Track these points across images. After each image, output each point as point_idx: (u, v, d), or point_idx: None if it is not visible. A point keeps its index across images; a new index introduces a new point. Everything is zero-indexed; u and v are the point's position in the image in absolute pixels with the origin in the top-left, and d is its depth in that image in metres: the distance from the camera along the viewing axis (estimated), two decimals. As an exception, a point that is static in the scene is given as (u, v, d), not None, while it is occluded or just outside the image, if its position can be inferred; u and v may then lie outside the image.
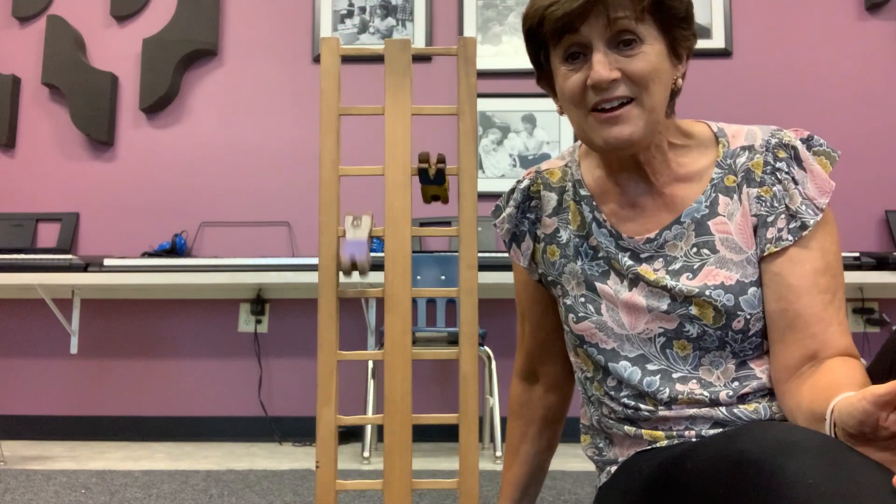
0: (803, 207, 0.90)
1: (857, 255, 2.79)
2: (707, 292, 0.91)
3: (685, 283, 0.92)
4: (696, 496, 0.73)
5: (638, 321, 0.95)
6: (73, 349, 3.14)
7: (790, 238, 0.90)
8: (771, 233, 0.91)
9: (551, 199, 1.04)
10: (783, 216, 0.91)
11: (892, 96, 3.36)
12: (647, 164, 0.95)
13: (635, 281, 0.95)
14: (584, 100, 0.89)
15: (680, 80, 0.92)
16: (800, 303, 0.88)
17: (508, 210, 1.06)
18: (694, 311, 0.91)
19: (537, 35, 0.92)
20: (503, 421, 2.84)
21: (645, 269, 0.95)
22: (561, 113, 0.97)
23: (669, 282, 0.92)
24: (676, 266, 0.94)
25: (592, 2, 0.84)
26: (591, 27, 0.86)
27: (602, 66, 0.86)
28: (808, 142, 0.93)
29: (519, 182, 1.07)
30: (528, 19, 0.91)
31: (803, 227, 0.89)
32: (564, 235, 1.02)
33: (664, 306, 0.93)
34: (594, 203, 1.00)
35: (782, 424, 0.68)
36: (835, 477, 0.60)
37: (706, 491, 0.71)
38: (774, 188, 0.92)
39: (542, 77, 0.98)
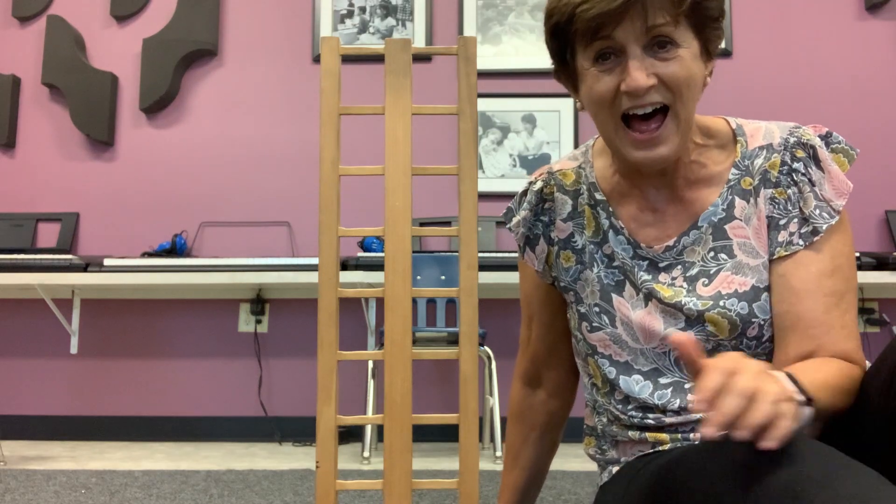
0: (817, 211, 0.88)
1: (857, 255, 2.79)
2: (721, 303, 0.89)
3: (699, 295, 0.91)
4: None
5: (653, 337, 0.93)
6: (73, 349, 3.14)
7: (801, 243, 0.88)
8: (782, 236, 0.89)
9: (566, 202, 1.01)
10: (796, 220, 0.89)
11: (892, 96, 3.36)
12: (671, 170, 0.93)
13: (649, 296, 0.94)
14: (614, 104, 0.85)
15: (708, 79, 0.90)
16: (801, 305, 0.87)
17: (523, 213, 1.03)
18: (710, 328, 0.90)
19: (565, 32, 0.87)
20: (503, 421, 2.84)
21: (660, 285, 0.93)
22: (581, 109, 0.93)
23: (684, 297, 0.91)
24: (693, 272, 0.92)
25: (631, 3, 0.80)
26: (627, 31, 0.81)
27: (639, 72, 0.82)
28: (826, 138, 0.91)
29: (531, 184, 1.03)
30: (556, 14, 0.86)
31: (815, 231, 0.88)
32: (580, 241, 1.00)
33: (680, 325, 0.91)
34: (610, 209, 0.98)
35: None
36: (828, 484, 0.59)
37: (700, 500, 0.70)
38: (789, 190, 0.90)
39: (563, 73, 0.94)
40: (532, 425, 1.11)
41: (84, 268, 2.92)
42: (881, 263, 2.78)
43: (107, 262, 2.92)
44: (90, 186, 3.44)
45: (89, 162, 3.46)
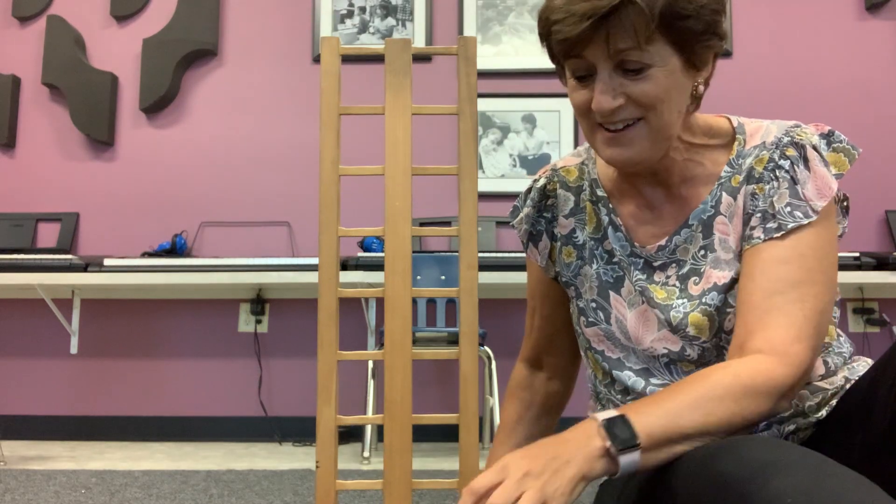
0: (787, 209, 0.86)
1: (857, 255, 2.79)
2: (703, 299, 0.89)
3: (689, 295, 0.91)
4: None
5: (644, 338, 0.94)
6: (73, 349, 3.14)
7: (761, 237, 0.87)
8: (747, 231, 0.89)
9: (568, 198, 1.02)
10: (760, 214, 0.88)
11: (892, 96, 3.36)
12: (662, 171, 0.93)
13: (643, 296, 0.94)
14: (590, 114, 0.87)
15: (702, 88, 0.88)
16: (744, 290, 0.85)
17: (526, 210, 1.04)
18: (691, 332, 0.90)
19: (548, 43, 0.88)
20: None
21: (654, 286, 0.94)
22: None
23: (676, 299, 0.91)
24: (685, 270, 0.93)
25: (593, 29, 0.80)
26: (596, 52, 0.82)
27: (604, 94, 0.83)
28: (828, 137, 0.89)
29: (535, 181, 1.05)
30: (540, 26, 0.88)
31: (779, 228, 0.86)
32: (581, 237, 1.01)
33: (667, 328, 0.92)
34: (610, 205, 0.98)
35: (763, 441, 0.67)
36: (815, 494, 0.58)
37: None
38: (767, 186, 0.89)
39: (562, 74, 0.95)
40: (529, 404, 1.10)
41: (84, 268, 2.92)
42: (881, 263, 2.78)
43: (107, 262, 2.91)
44: (90, 186, 3.44)
45: (89, 162, 3.46)
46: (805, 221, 0.85)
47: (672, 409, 0.73)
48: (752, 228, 0.88)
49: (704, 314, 0.89)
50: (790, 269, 0.84)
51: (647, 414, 0.73)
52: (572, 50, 0.83)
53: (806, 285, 0.83)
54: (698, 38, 0.83)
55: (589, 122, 0.88)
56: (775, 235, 0.86)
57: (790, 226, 0.85)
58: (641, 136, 0.86)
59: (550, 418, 1.11)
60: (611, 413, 0.72)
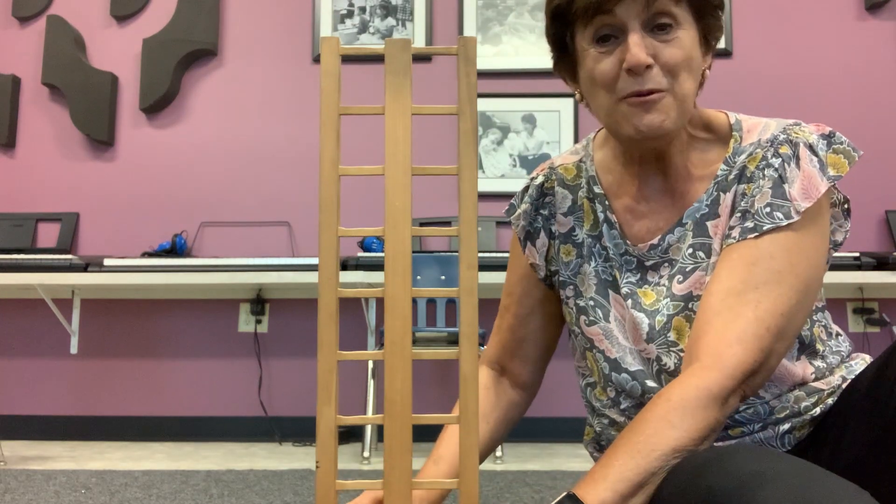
0: (768, 209, 0.84)
1: (857, 255, 2.79)
2: (690, 304, 0.88)
3: (673, 294, 0.89)
4: None
5: (638, 340, 0.92)
6: (73, 349, 3.14)
7: (736, 236, 0.85)
8: (727, 230, 0.87)
9: (566, 196, 1.01)
10: (744, 214, 0.86)
11: (892, 96, 3.36)
12: (668, 158, 0.91)
13: (631, 299, 0.93)
14: (615, 85, 0.85)
15: (707, 72, 0.89)
16: (707, 291, 0.83)
17: (524, 206, 1.03)
18: (672, 336, 0.88)
19: (565, 13, 0.87)
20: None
21: (645, 288, 0.93)
22: (580, 100, 0.92)
23: (661, 300, 0.90)
24: (673, 270, 0.92)
25: None
26: (628, 7, 0.82)
27: (639, 48, 0.82)
28: (829, 138, 0.87)
29: (533, 179, 1.04)
30: None
31: (755, 229, 0.84)
32: (580, 235, 1.00)
33: (645, 335, 0.91)
34: (607, 202, 0.97)
35: (749, 451, 0.66)
36: (804, 503, 0.58)
37: None
38: (754, 185, 0.87)
39: (563, 61, 0.94)
40: (494, 405, 1.04)
41: (84, 268, 2.92)
42: (881, 263, 2.78)
43: (107, 262, 2.92)
44: (90, 186, 3.44)
45: (89, 162, 3.46)
46: (784, 223, 0.83)
47: (617, 467, 0.72)
48: (731, 228, 0.87)
49: (688, 320, 0.88)
50: (756, 270, 0.81)
51: (594, 483, 0.71)
52: (603, 6, 0.83)
53: (769, 286, 0.81)
54: (713, 11, 0.87)
55: (612, 95, 0.86)
56: (750, 236, 0.84)
57: (766, 227, 0.83)
58: (669, 106, 0.84)
59: (505, 430, 1.05)
60: (559, 497, 0.71)
